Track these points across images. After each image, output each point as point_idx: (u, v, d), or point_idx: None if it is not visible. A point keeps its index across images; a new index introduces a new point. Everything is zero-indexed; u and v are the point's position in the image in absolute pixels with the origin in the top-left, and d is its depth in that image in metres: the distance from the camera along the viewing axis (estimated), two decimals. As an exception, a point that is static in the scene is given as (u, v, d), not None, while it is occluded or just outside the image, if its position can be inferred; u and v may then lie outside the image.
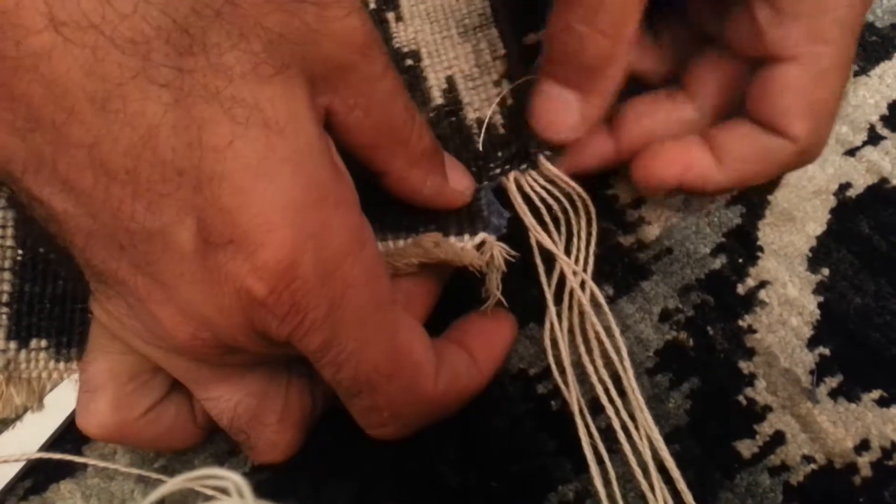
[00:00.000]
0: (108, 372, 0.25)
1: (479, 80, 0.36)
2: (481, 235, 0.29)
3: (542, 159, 0.32)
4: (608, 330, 0.30)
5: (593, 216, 0.32)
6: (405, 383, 0.24)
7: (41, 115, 0.19)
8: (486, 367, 0.28)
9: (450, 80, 0.36)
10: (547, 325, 0.31)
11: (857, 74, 0.38)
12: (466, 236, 0.29)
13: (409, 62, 0.37)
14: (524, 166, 0.32)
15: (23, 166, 0.20)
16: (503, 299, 0.30)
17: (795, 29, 0.25)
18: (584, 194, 0.32)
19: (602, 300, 0.30)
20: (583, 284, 0.31)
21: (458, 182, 0.29)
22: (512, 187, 0.32)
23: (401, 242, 0.29)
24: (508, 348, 0.29)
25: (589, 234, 0.33)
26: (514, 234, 0.31)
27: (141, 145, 0.19)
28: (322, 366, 0.23)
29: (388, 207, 0.30)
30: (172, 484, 0.16)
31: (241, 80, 0.20)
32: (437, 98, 0.35)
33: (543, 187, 0.32)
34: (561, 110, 0.29)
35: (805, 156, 0.28)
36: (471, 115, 0.34)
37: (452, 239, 0.29)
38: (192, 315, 0.22)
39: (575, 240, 0.32)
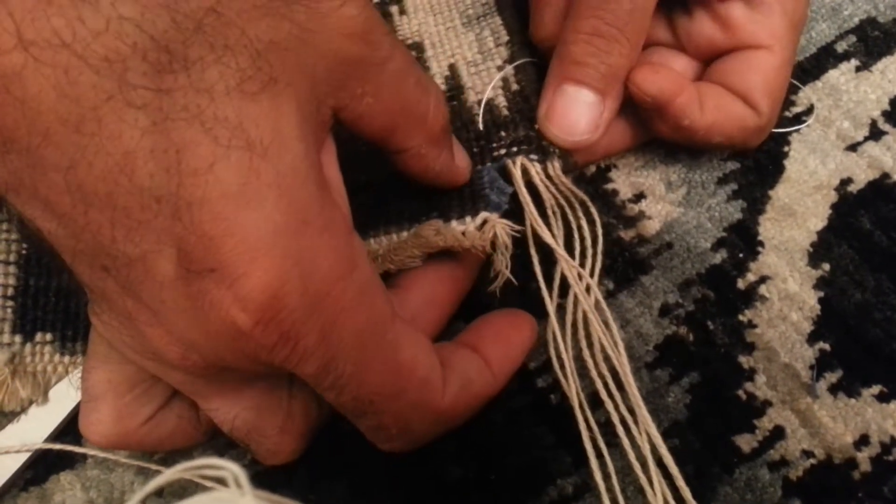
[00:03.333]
0: (108, 382, 0.25)
1: (481, 65, 0.36)
2: (483, 215, 0.29)
3: (555, 160, 0.32)
4: (606, 325, 0.30)
5: (596, 220, 0.32)
6: (411, 401, 0.24)
7: (16, 136, 0.18)
8: (500, 372, 0.27)
9: (452, 68, 0.36)
10: (551, 320, 0.31)
11: (858, 70, 0.38)
12: (468, 218, 0.29)
13: (413, 54, 0.37)
14: (534, 157, 0.32)
15: (5, 186, 0.19)
16: (512, 278, 0.29)
17: (769, 23, 0.31)
18: (587, 200, 0.32)
19: (599, 296, 0.30)
20: (582, 279, 0.31)
21: (461, 159, 0.29)
22: (517, 174, 0.31)
23: (404, 234, 0.29)
24: (526, 351, 0.29)
25: (594, 234, 0.32)
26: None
27: (117, 171, 0.18)
28: (322, 390, 0.23)
29: (389, 202, 0.30)
30: (170, 474, 0.16)
31: (225, 97, 0.19)
32: (440, 85, 0.35)
33: (545, 182, 0.32)
34: (584, 112, 0.29)
35: (762, 132, 0.32)
36: (472, 98, 0.34)
37: (454, 223, 0.29)
38: (179, 338, 0.21)
39: (576, 235, 0.32)
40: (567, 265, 0.31)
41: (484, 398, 0.27)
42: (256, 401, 0.25)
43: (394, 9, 0.39)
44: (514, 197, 0.31)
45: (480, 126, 0.33)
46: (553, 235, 0.31)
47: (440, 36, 0.38)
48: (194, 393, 0.25)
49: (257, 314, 0.20)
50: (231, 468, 0.16)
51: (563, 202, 0.32)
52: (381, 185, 0.30)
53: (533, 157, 0.32)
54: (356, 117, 0.24)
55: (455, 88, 0.35)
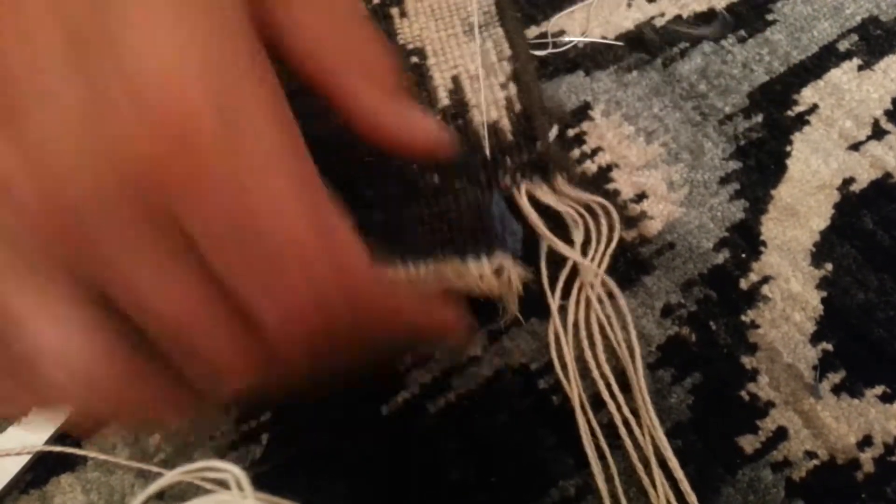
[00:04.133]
0: None
1: (484, 80, 0.36)
2: (498, 259, 0.30)
3: (559, 179, 0.33)
4: (622, 326, 0.30)
5: (616, 223, 0.33)
6: (330, 261, 0.18)
7: None
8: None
9: (455, 81, 0.36)
10: (554, 321, 0.31)
11: (861, 68, 0.38)
12: (484, 258, 0.30)
13: (415, 59, 0.37)
14: (538, 177, 0.33)
15: None
16: (521, 317, 0.31)
17: None
18: (606, 203, 0.33)
19: (623, 303, 0.30)
20: (593, 286, 0.31)
21: (421, 119, 0.24)
22: (524, 202, 0.32)
23: (421, 268, 0.30)
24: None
25: (610, 238, 0.33)
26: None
27: None
28: (224, 243, 0.16)
29: (405, 231, 0.30)
30: (171, 476, 0.16)
31: None
32: (444, 99, 0.35)
33: (556, 197, 0.33)
34: None
35: None
36: (477, 118, 0.34)
37: (470, 262, 0.30)
38: (43, 161, 0.15)
39: (594, 243, 0.32)
40: (590, 271, 0.31)
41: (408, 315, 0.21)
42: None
43: (394, 10, 0.39)
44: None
45: (487, 152, 0.33)
46: (571, 242, 0.32)
47: (442, 43, 0.38)
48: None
49: (167, 135, 0.15)
50: (233, 470, 0.16)
51: (582, 210, 0.32)
52: (397, 215, 0.31)
53: (537, 178, 0.32)
54: (304, 52, 0.21)
55: (459, 105, 0.35)
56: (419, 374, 0.31)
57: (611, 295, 0.32)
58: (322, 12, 0.21)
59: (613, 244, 0.32)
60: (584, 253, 0.32)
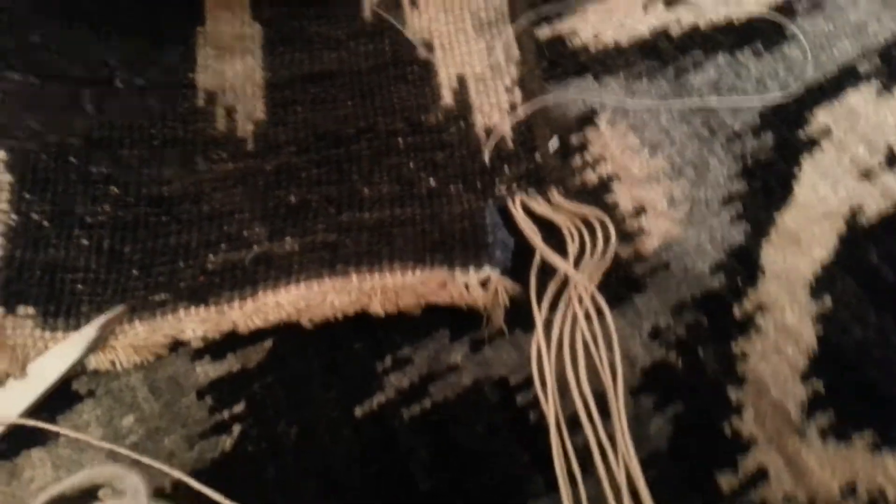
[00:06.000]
0: None
1: (489, 82, 0.35)
2: (486, 271, 0.29)
3: (553, 191, 0.32)
4: (608, 345, 0.30)
5: (612, 237, 0.32)
6: None
7: None
8: None
9: (461, 80, 0.35)
10: (538, 334, 0.30)
11: (880, 92, 0.37)
12: (472, 269, 0.29)
13: (423, 52, 0.36)
14: (532, 190, 0.32)
15: None
16: (506, 329, 0.30)
17: None
18: (604, 216, 0.32)
19: (610, 322, 0.29)
20: (582, 302, 0.30)
21: None
22: (519, 213, 0.31)
23: (409, 273, 0.29)
24: None
25: (605, 252, 0.32)
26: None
27: None
28: None
29: (396, 232, 0.29)
30: (73, 480, 0.15)
31: None
32: (447, 98, 0.34)
33: (552, 209, 0.32)
34: None
35: None
36: (479, 122, 0.34)
37: (458, 272, 0.29)
38: None
39: (587, 257, 0.31)
40: (580, 285, 0.30)
41: None
42: None
43: (405, 0, 0.38)
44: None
45: (486, 160, 0.32)
46: (565, 254, 0.31)
47: (451, 38, 0.37)
48: None
49: None
50: (132, 479, 0.15)
51: (579, 222, 0.31)
52: (386, 206, 0.30)
53: (532, 190, 0.31)
54: None
55: (463, 106, 0.34)
56: (397, 379, 0.30)
57: (599, 312, 0.31)
58: None
59: (608, 258, 0.31)
60: (577, 267, 0.31)
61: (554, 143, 0.33)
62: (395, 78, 0.34)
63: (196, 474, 0.28)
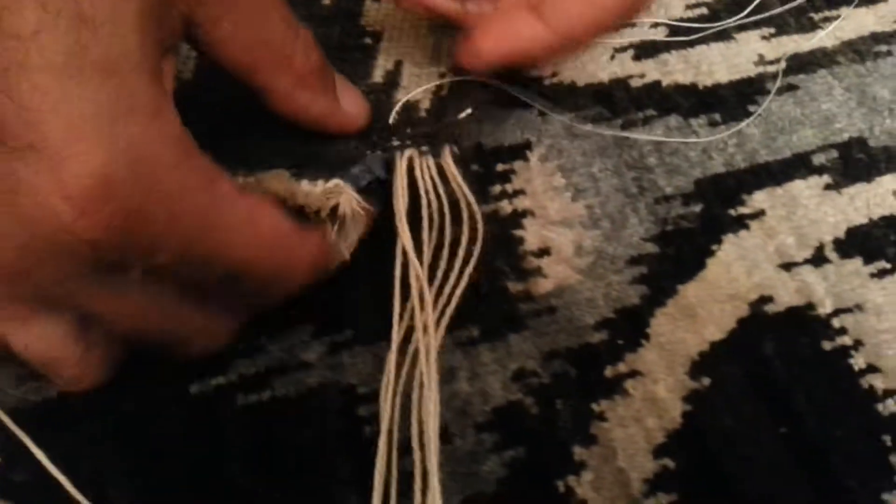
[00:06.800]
0: None
1: (425, 69, 0.35)
2: (335, 181, 0.27)
3: (446, 149, 0.31)
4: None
5: (479, 234, 0.31)
6: (280, 261, 0.25)
7: None
8: None
9: (397, 65, 0.35)
10: (393, 347, 0.29)
11: (828, 188, 0.35)
12: (320, 182, 0.27)
13: (368, 41, 0.36)
14: (425, 148, 0.31)
15: None
16: (346, 255, 0.29)
17: None
18: (476, 206, 0.31)
19: (433, 340, 0.28)
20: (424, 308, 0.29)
21: (352, 106, 0.29)
22: (402, 165, 0.30)
23: (251, 178, 0.27)
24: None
25: (469, 253, 0.31)
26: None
27: None
28: (188, 277, 0.23)
29: (254, 144, 0.28)
30: None
31: None
32: (377, 77, 0.34)
33: (433, 179, 0.31)
34: None
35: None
36: (399, 95, 0.33)
37: (304, 183, 0.27)
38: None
39: (445, 251, 0.30)
40: (417, 295, 0.29)
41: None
42: (55, 329, 0.24)
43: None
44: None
45: (391, 120, 0.32)
46: (420, 244, 0.30)
47: (400, 32, 0.37)
48: None
49: (81, 203, 0.19)
50: None
51: (447, 211, 0.30)
52: (249, 126, 0.29)
53: (424, 148, 0.30)
54: (214, 42, 0.23)
55: (390, 85, 0.34)
56: (245, 365, 0.30)
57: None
58: (252, 28, 0.23)
59: (469, 270, 0.30)
60: (435, 265, 0.30)
61: (466, 111, 0.32)
62: (333, 60, 0.34)
63: (13, 413, 0.28)
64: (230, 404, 0.29)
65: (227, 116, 0.25)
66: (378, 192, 0.29)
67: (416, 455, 0.27)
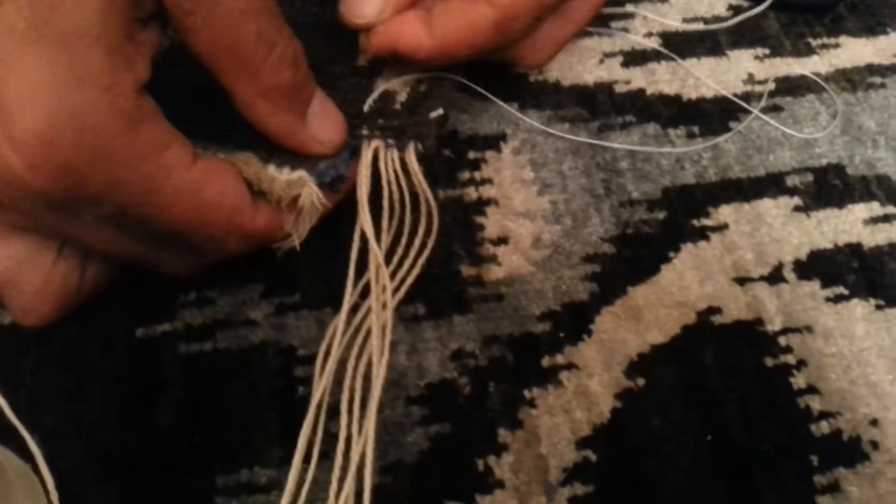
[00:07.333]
0: None
1: (412, 63, 0.35)
2: (300, 172, 0.28)
3: (411, 145, 0.31)
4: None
5: (434, 227, 0.31)
6: (221, 228, 0.26)
7: None
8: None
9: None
10: (342, 316, 0.29)
11: (797, 209, 0.35)
12: (286, 169, 0.28)
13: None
14: (391, 141, 0.31)
15: None
16: (297, 244, 0.29)
17: None
18: (432, 201, 0.31)
19: (390, 318, 0.28)
20: (384, 290, 0.30)
21: (321, 132, 0.29)
22: (367, 154, 0.31)
23: (220, 155, 0.28)
24: None
25: (424, 243, 0.31)
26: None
27: None
28: (128, 231, 0.25)
29: (231, 122, 0.29)
30: None
31: None
32: (362, 61, 0.35)
33: (396, 172, 0.31)
34: None
35: (502, 27, 0.29)
36: (379, 83, 0.33)
37: (272, 168, 0.28)
38: None
39: (404, 239, 0.31)
40: (374, 271, 0.29)
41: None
42: (21, 253, 0.26)
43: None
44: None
45: (365, 108, 0.32)
46: (379, 230, 0.30)
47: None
48: None
49: (29, 158, 0.21)
50: None
51: (406, 201, 0.31)
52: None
53: (391, 141, 0.31)
54: (183, 30, 0.24)
55: (373, 72, 0.34)
56: (192, 315, 0.31)
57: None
58: (221, 30, 0.24)
59: (422, 260, 0.30)
60: (392, 250, 0.30)
61: (437, 112, 0.33)
62: (321, 39, 0.34)
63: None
64: (172, 350, 0.30)
65: (212, 91, 0.26)
66: (337, 187, 0.30)
67: (344, 419, 0.28)
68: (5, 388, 0.27)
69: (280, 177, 0.28)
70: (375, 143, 0.31)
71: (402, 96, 0.33)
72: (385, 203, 0.30)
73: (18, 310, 0.28)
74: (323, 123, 0.29)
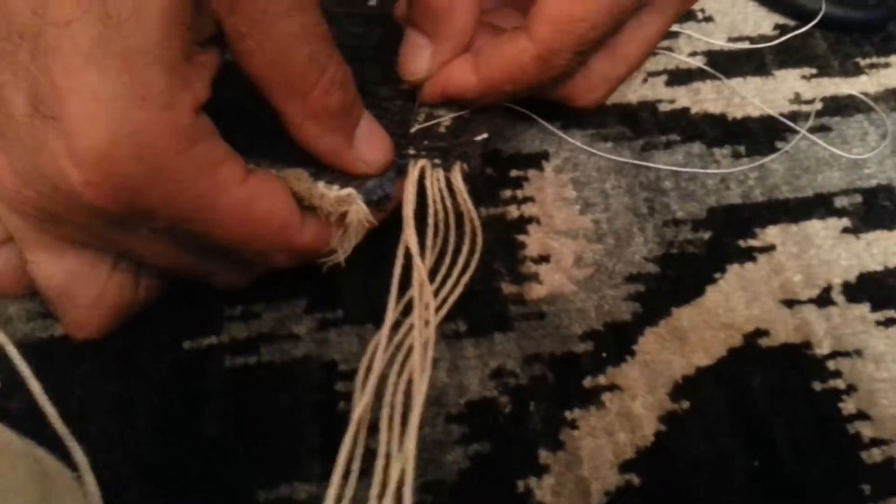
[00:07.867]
0: None
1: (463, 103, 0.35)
2: (349, 190, 0.28)
3: (457, 165, 0.31)
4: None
5: (478, 246, 0.31)
6: (270, 243, 0.26)
7: None
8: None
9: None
10: (383, 332, 0.29)
11: (846, 231, 0.35)
12: (336, 186, 0.28)
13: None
14: (437, 161, 0.31)
15: None
16: (342, 262, 0.29)
17: None
18: (477, 221, 0.31)
19: (432, 336, 0.28)
20: (428, 308, 0.30)
21: (367, 153, 0.29)
22: (413, 173, 0.31)
23: (272, 171, 0.29)
24: None
25: (468, 262, 0.31)
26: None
27: None
28: (179, 244, 0.26)
29: (283, 138, 0.29)
30: None
31: None
32: (407, 84, 0.35)
33: (441, 191, 0.31)
34: (415, 54, 0.31)
35: (544, 61, 0.30)
36: (426, 106, 0.34)
37: (321, 185, 0.28)
38: (19, 171, 0.23)
39: (448, 258, 0.31)
40: (418, 288, 0.30)
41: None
42: (76, 267, 0.27)
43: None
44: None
45: (412, 129, 0.32)
46: (423, 248, 0.30)
47: None
48: (23, 240, 0.26)
49: (88, 173, 0.22)
50: None
51: (451, 220, 0.31)
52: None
53: (437, 161, 0.31)
54: (237, 52, 0.25)
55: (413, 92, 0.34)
56: (238, 329, 0.31)
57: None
58: (274, 53, 0.24)
59: (465, 279, 0.30)
60: (436, 269, 0.30)
61: (482, 135, 0.33)
62: (367, 59, 0.35)
63: (19, 345, 0.29)
64: (218, 363, 0.30)
65: (264, 109, 0.26)
66: (384, 206, 0.30)
67: (383, 436, 0.28)
68: (56, 398, 0.28)
69: (330, 193, 0.28)
70: (422, 162, 0.31)
71: (447, 119, 0.33)
72: (430, 220, 0.30)
73: (73, 323, 0.28)
74: (370, 145, 0.29)
